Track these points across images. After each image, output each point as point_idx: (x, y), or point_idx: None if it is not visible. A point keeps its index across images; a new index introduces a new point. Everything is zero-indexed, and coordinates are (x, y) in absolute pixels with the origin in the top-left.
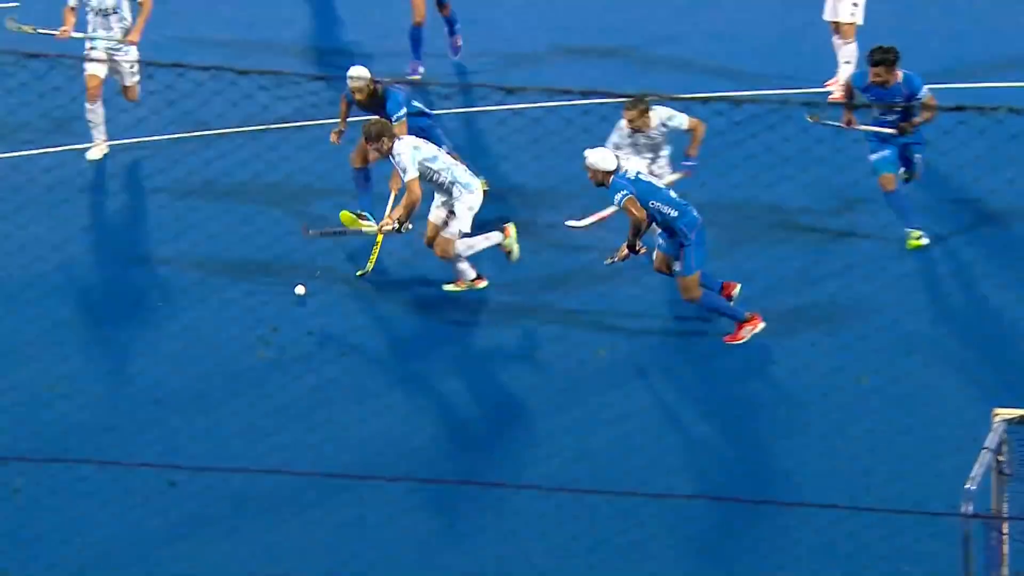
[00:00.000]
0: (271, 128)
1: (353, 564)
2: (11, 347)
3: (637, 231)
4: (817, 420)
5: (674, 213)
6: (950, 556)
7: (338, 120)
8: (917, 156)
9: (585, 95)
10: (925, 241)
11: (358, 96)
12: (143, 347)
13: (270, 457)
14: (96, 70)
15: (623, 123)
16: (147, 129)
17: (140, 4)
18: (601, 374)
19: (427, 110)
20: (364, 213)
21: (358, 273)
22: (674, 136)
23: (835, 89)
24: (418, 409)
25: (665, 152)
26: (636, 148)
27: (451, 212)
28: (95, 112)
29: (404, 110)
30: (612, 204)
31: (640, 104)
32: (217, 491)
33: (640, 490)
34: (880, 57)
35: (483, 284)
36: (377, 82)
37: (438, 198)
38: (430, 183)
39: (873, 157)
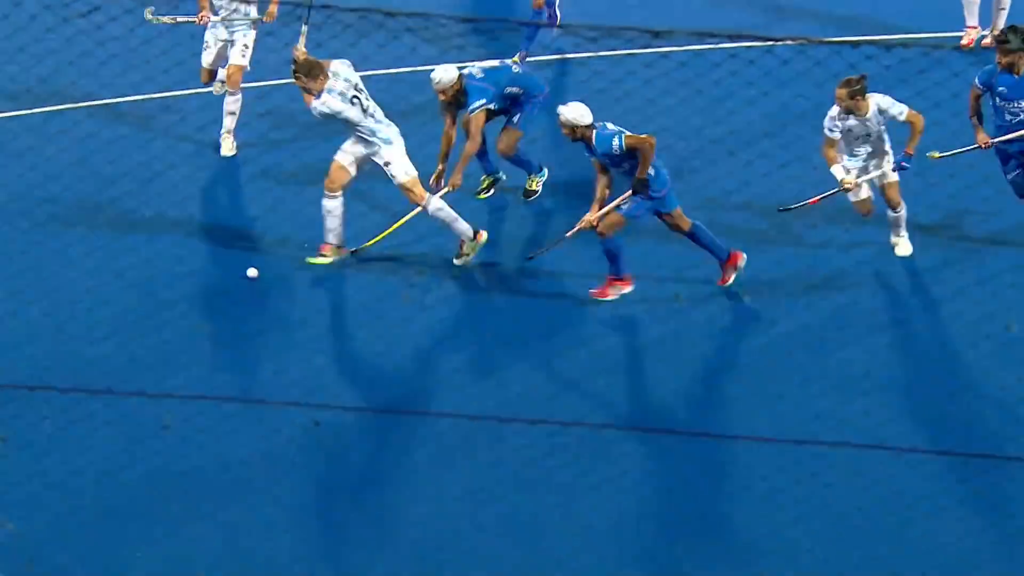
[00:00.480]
0: (417, 70)
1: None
2: (160, 289)
3: (646, 160)
4: (964, 367)
5: (651, 172)
6: None
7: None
8: None
9: (732, 39)
10: None
11: (442, 97)
12: (285, 291)
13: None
14: (208, 61)
15: (834, 108)
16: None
17: None
18: (737, 326)
19: (521, 92)
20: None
21: (352, 251)
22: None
23: (987, 34)
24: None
25: (884, 146)
26: (848, 136)
27: (386, 163)
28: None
29: (483, 101)
30: (598, 156)
31: (852, 84)
32: (357, 430)
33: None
34: (1007, 36)
35: (484, 237)
36: (461, 74)
37: (352, 144)
38: (349, 130)
39: (1010, 177)
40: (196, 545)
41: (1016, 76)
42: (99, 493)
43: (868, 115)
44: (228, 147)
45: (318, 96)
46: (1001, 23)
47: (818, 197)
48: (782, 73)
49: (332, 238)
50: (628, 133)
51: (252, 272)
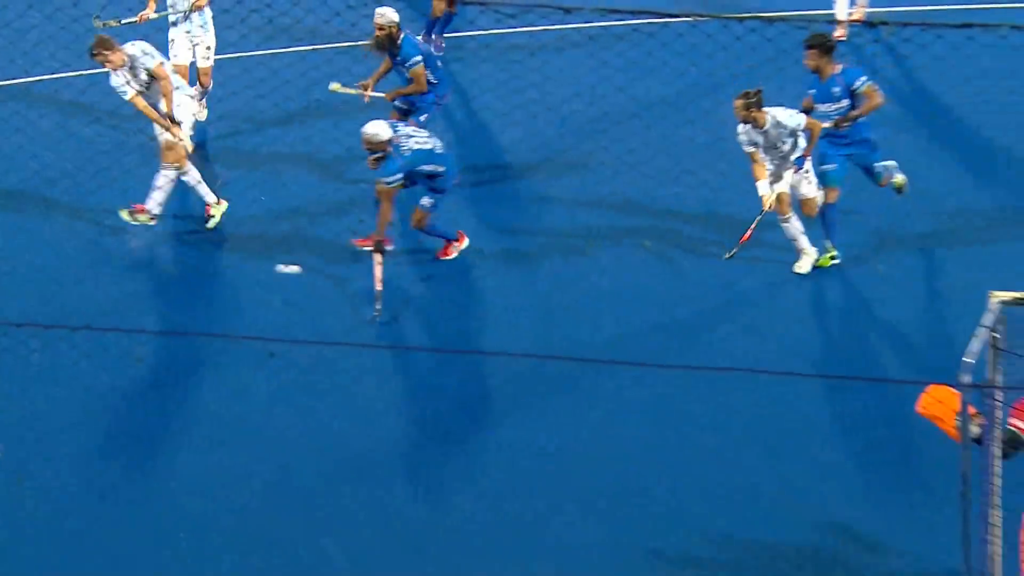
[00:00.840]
0: (357, 45)
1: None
2: (132, 239)
3: (383, 224)
4: (844, 306)
5: (442, 169)
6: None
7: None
8: (878, 165)
9: (634, 14)
10: (837, 261)
11: (379, 33)
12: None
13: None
14: (182, 59)
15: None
16: (248, 45)
17: None
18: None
19: (435, 83)
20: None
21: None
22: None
23: (855, 12)
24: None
25: (793, 153)
26: (756, 145)
27: (178, 105)
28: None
29: (420, 56)
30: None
31: (748, 96)
32: (314, 360)
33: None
34: (811, 40)
35: (224, 207)
36: (399, 28)
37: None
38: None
39: (824, 168)
40: (169, 464)
41: (821, 82)
42: (82, 417)
43: (766, 127)
44: (202, 114)
45: (132, 65)
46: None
47: (749, 231)
48: (677, 45)
49: (156, 207)
50: (394, 187)
51: (287, 268)
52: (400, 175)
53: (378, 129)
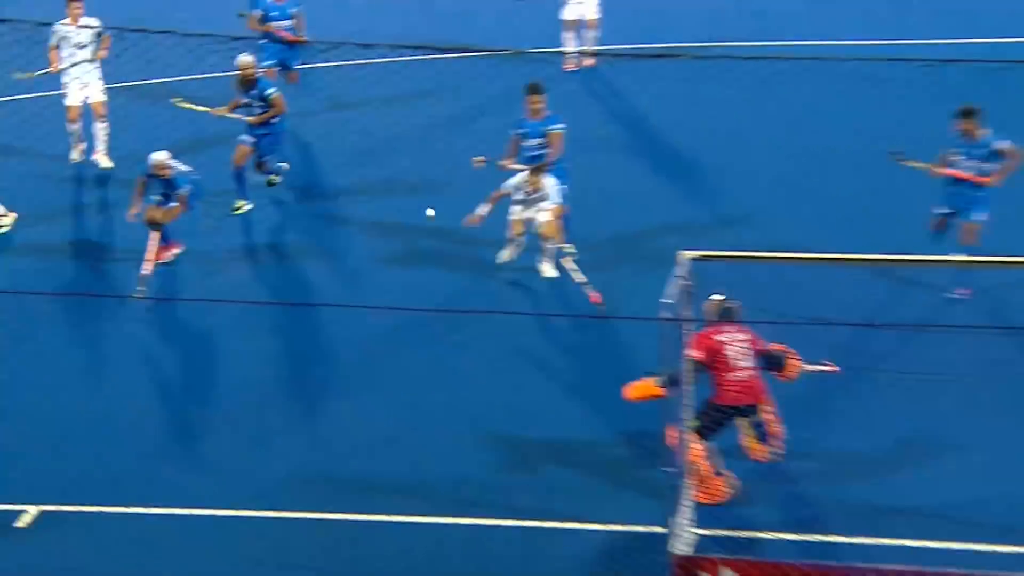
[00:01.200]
0: (226, 75)
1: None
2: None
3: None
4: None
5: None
6: (649, 347)
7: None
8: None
9: (419, 48)
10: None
11: (243, 73)
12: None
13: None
14: (75, 100)
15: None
16: (134, 77)
17: (103, 40)
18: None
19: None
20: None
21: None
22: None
23: (584, 47)
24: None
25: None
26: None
27: None
28: (75, 128)
29: (275, 89)
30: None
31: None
32: (225, 320)
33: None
34: (543, 86)
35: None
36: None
37: None
38: None
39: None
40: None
41: (537, 120)
42: (61, 349)
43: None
44: (105, 162)
45: None
46: (570, 45)
47: (594, 293)
48: (448, 73)
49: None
50: (182, 193)
51: (430, 212)
52: (189, 186)
53: (166, 157)
